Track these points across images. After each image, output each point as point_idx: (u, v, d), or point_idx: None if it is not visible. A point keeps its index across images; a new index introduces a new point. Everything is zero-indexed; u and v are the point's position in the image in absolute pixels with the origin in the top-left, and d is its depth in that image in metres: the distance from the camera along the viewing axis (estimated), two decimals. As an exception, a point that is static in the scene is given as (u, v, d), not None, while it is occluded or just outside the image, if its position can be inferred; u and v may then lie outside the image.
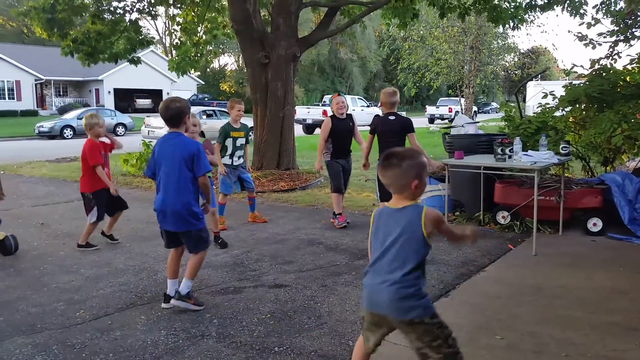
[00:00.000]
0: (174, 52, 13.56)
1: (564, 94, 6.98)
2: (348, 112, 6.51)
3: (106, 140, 5.63)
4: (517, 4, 10.70)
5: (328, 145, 6.42)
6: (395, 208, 2.41)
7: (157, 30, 58.64)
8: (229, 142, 6.23)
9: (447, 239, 2.55)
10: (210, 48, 14.30)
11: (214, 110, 22.12)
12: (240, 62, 51.65)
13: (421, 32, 26.85)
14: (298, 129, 15.81)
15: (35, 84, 41.38)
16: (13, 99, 39.73)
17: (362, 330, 2.53)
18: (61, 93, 44.24)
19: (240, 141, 6.30)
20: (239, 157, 6.32)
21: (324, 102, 30.55)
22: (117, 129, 27.02)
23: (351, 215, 6.95)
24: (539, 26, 37.33)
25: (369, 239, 2.51)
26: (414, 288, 2.30)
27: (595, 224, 5.76)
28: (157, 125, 18.41)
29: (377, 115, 6.00)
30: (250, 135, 7.26)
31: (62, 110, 35.39)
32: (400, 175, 2.38)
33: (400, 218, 2.37)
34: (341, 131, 6.38)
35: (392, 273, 2.31)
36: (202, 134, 22.58)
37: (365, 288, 2.44)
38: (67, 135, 25.10)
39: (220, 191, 6.33)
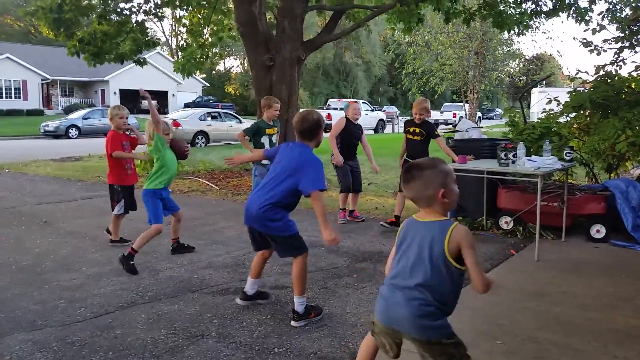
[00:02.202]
0: (179, 53, 13.60)
1: (568, 100, 6.97)
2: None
3: (131, 133, 5.70)
4: (522, 10, 10.68)
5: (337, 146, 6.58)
6: (423, 221, 2.25)
7: (163, 32, 59.10)
8: (265, 139, 6.24)
9: (468, 268, 2.20)
10: (216, 50, 14.33)
11: (218, 112, 22.19)
12: (246, 64, 51.74)
13: (426, 37, 26.87)
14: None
15: (42, 84, 41.58)
16: (19, 98, 39.94)
17: (373, 334, 2.40)
18: (67, 93, 44.42)
19: (275, 138, 6.34)
20: None
21: (329, 105, 30.61)
22: (122, 129, 27.08)
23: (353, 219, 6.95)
24: (544, 32, 37.24)
25: (393, 248, 2.36)
26: (434, 307, 2.17)
27: (598, 231, 5.73)
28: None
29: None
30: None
31: (68, 110, 35.55)
32: (424, 187, 2.21)
33: (425, 233, 2.21)
34: (352, 134, 6.69)
35: (413, 290, 2.18)
36: (206, 137, 22.25)
37: (382, 301, 2.29)
38: (72, 135, 25.22)
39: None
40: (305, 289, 3.64)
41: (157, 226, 4.79)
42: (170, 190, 5.13)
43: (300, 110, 3.79)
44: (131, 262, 4.65)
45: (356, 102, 7.06)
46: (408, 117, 6.47)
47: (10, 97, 39.53)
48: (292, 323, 3.58)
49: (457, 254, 2.16)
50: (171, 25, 52.65)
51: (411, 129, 6.39)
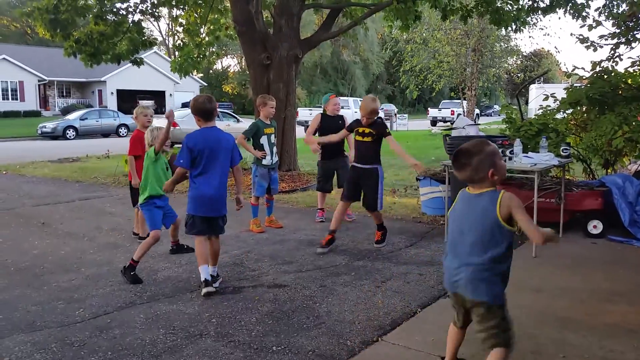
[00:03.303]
0: (176, 53, 13.59)
1: (565, 96, 6.98)
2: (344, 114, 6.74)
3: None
4: (520, 6, 10.68)
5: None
6: (474, 194, 2.58)
7: (160, 32, 58.96)
8: (264, 140, 6.16)
9: (521, 227, 2.51)
10: (213, 49, 14.32)
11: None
12: (243, 63, 51.71)
13: (423, 34, 26.85)
14: (300, 131, 15.79)
15: (39, 85, 41.52)
16: (16, 99, 39.89)
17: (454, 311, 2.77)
18: (64, 94, 44.37)
19: (274, 138, 6.28)
20: (275, 155, 6.30)
21: (326, 104, 30.57)
22: (120, 129, 27.10)
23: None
24: (542, 29, 37.24)
25: (446, 214, 2.64)
26: (488, 273, 2.47)
27: (595, 226, 5.75)
28: (159, 127, 18.49)
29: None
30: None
31: (65, 111, 35.50)
32: (475, 172, 2.54)
33: (477, 204, 2.54)
34: (330, 130, 6.39)
35: (470, 257, 2.51)
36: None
37: (445, 270, 2.65)
38: (70, 136, 25.17)
39: (257, 194, 6.22)
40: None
41: (154, 233, 4.61)
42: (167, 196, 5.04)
43: (197, 94, 4.32)
44: (132, 273, 4.47)
45: (335, 95, 6.92)
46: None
47: (8, 99, 39.49)
48: (210, 289, 4.13)
49: (507, 217, 2.46)
50: (168, 24, 52.65)
51: (360, 130, 5.43)
